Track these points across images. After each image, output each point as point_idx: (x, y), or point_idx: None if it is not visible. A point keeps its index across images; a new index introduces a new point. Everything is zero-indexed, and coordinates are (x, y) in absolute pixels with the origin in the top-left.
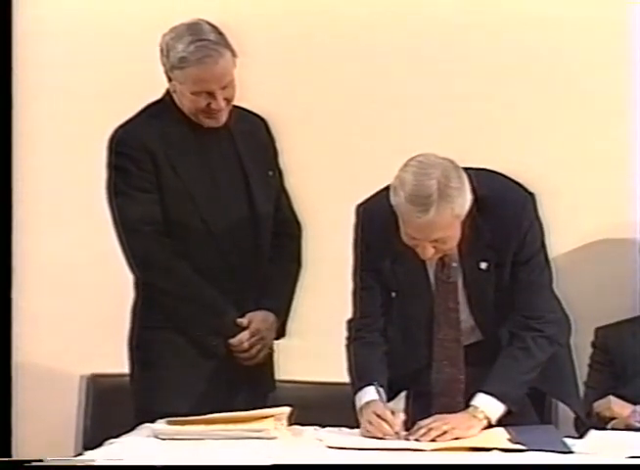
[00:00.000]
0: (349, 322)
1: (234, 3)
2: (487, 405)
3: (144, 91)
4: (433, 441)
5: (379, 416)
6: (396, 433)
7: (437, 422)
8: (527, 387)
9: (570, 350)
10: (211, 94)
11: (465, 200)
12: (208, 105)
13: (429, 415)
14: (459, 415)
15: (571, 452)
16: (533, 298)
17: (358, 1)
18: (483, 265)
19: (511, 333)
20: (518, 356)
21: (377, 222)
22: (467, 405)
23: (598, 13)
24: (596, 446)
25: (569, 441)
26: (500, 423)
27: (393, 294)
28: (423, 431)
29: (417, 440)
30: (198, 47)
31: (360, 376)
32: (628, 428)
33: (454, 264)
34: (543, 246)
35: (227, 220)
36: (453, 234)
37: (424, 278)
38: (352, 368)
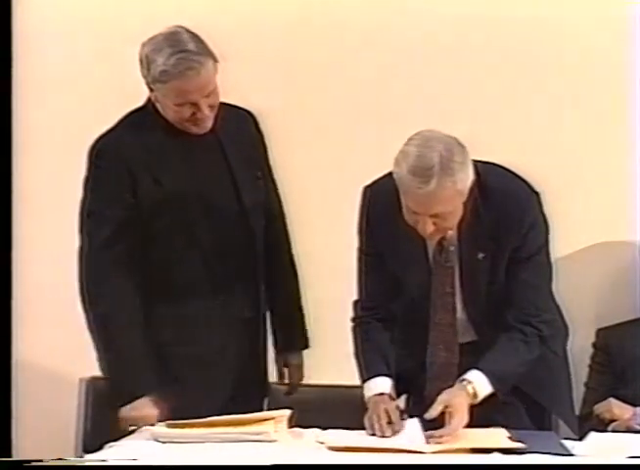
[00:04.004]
0: (355, 303)
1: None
2: (478, 381)
3: (144, 92)
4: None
5: (387, 413)
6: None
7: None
8: (516, 379)
9: (566, 358)
10: (195, 104)
11: (467, 175)
12: (193, 114)
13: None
14: (457, 400)
15: (570, 455)
16: (532, 295)
17: None
18: (481, 256)
19: (509, 326)
20: (518, 347)
21: (381, 202)
22: None
23: (599, 13)
24: (596, 448)
25: (569, 443)
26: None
27: (396, 276)
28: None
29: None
30: (178, 59)
31: (368, 365)
32: (629, 430)
33: (452, 248)
34: (546, 245)
35: (215, 233)
36: (454, 211)
37: (424, 261)
38: (360, 354)
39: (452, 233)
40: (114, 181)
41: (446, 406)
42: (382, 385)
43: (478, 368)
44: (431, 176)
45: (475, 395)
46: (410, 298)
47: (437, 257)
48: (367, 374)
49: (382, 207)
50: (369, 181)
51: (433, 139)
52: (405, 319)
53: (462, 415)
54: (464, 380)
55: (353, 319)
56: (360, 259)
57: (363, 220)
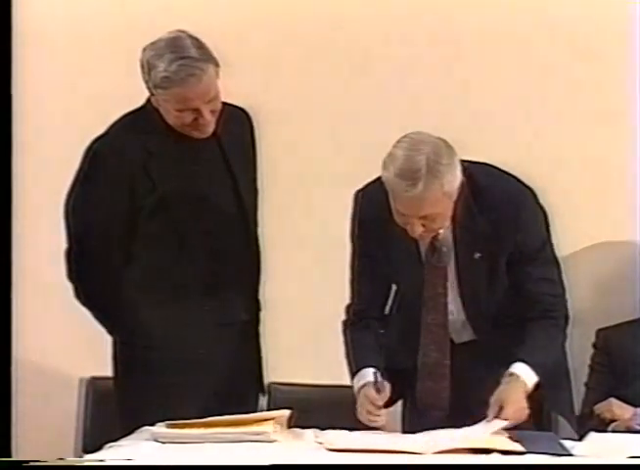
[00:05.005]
0: (347, 307)
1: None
2: (525, 373)
3: (145, 92)
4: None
5: (368, 399)
6: (379, 407)
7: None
8: (556, 364)
9: (565, 356)
10: (197, 110)
11: (455, 177)
12: (195, 119)
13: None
14: (506, 394)
15: (570, 455)
16: (548, 288)
17: None
18: (477, 255)
19: (534, 317)
20: (551, 333)
21: (373, 205)
22: (456, 392)
23: (599, 13)
24: (596, 448)
25: (568, 443)
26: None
27: (389, 279)
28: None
29: None
30: (180, 66)
31: (356, 360)
32: (629, 430)
33: (444, 249)
34: (549, 239)
35: (214, 235)
36: (442, 212)
37: (417, 262)
38: (350, 353)
39: (444, 233)
40: (108, 185)
41: (500, 403)
42: (365, 376)
43: (521, 360)
44: (418, 179)
45: (526, 385)
46: (403, 299)
47: (429, 257)
48: (355, 368)
49: (373, 210)
50: (361, 185)
51: (420, 142)
52: (399, 320)
53: (515, 406)
54: (512, 374)
55: (344, 322)
56: (353, 263)
57: (355, 224)
